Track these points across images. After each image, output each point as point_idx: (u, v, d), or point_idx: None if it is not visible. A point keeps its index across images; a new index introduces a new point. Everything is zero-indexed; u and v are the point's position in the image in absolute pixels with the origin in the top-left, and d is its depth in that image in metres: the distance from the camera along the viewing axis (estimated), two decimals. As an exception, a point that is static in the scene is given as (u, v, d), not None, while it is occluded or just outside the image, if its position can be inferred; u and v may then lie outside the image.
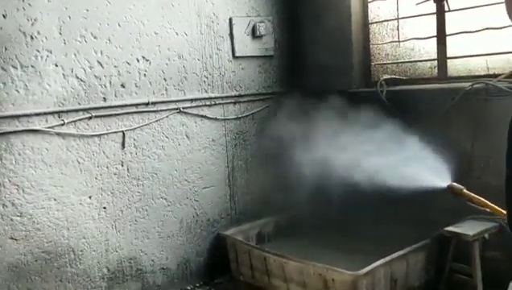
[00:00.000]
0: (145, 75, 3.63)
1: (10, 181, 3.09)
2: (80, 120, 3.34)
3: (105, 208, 3.48)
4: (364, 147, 3.57)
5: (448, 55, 3.71)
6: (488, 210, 2.20)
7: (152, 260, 3.73)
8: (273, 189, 4.18)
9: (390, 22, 4.09)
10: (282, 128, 4.43)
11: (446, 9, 3.64)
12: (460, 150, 3.46)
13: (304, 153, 3.98)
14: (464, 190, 2.24)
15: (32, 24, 3.12)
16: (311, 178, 3.72)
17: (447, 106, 3.51)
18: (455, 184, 2.26)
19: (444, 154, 3.38)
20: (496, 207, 2.17)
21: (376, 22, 4.18)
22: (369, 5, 4.18)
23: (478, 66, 3.58)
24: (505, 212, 2.18)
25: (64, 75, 3.26)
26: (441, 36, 3.70)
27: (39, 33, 3.14)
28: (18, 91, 3.09)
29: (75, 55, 3.30)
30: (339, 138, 3.80)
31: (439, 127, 3.56)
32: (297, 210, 4.18)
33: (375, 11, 4.18)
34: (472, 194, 2.22)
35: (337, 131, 4.15)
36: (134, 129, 3.60)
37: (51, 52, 3.20)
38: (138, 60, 3.59)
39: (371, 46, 4.21)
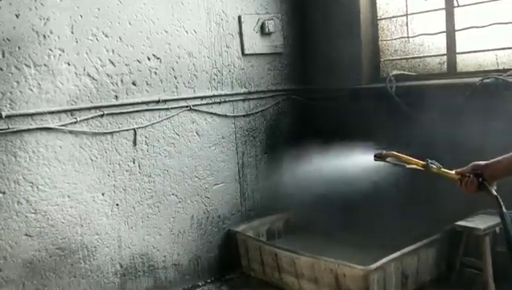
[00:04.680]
0: (155, 73, 3.67)
1: (24, 179, 3.13)
2: (92, 118, 3.38)
3: (117, 205, 3.52)
4: (373, 143, 3.58)
5: (458, 50, 3.70)
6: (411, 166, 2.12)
7: (164, 256, 3.77)
8: (283, 186, 4.20)
9: (398, 18, 4.10)
10: (291, 124, 4.45)
11: (455, 4, 3.64)
12: (471, 145, 3.45)
13: (314, 149, 4.00)
14: (385, 151, 2.21)
15: (45, 23, 3.16)
16: (321, 175, 3.73)
17: (457, 102, 3.51)
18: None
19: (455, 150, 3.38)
20: (415, 159, 2.11)
21: (385, 18, 4.18)
22: (378, 1, 4.18)
23: (488, 61, 3.57)
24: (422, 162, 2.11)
25: (76, 73, 3.30)
26: (450, 31, 3.70)
27: (51, 32, 3.18)
28: (31, 90, 3.13)
29: (87, 53, 3.34)
30: (347, 134, 3.82)
31: (448, 123, 3.56)
32: (307, 207, 4.19)
33: (384, 7, 4.19)
34: (394, 152, 2.18)
35: (346, 127, 4.17)
36: (146, 126, 3.64)
37: (63, 51, 3.24)
38: (148, 59, 3.62)
39: (380, 42, 4.22)
